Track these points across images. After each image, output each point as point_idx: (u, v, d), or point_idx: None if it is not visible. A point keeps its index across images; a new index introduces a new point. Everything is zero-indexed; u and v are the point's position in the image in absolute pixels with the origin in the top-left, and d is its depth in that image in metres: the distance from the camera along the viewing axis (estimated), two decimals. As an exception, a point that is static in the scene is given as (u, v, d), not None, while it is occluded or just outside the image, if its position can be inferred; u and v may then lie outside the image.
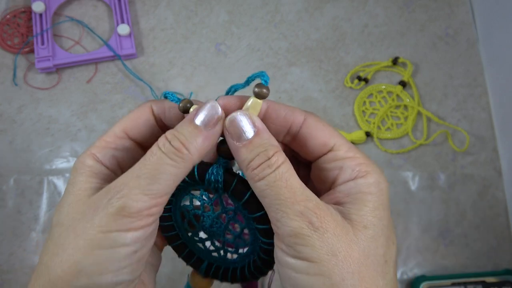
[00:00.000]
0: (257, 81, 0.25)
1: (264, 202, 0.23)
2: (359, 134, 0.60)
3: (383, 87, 0.64)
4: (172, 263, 0.53)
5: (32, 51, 0.63)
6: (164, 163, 0.22)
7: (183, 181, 0.25)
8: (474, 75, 0.64)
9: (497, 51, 0.63)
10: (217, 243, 0.30)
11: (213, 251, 0.30)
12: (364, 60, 0.65)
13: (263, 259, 0.27)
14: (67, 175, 0.58)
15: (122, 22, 0.65)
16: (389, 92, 0.64)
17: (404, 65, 0.65)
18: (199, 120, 0.23)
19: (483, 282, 0.53)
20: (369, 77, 0.64)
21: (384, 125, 0.62)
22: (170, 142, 0.22)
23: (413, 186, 0.59)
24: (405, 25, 0.67)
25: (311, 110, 0.67)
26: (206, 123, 0.23)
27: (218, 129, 0.23)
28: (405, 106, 0.63)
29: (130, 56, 0.64)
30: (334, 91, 0.64)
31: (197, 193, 0.28)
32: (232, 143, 0.23)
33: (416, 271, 0.55)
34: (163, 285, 0.53)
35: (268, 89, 0.24)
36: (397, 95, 0.63)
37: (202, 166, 0.25)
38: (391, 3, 0.68)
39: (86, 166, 0.24)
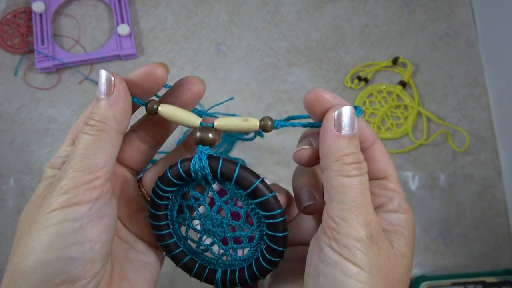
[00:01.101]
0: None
1: (337, 197, 0.23)
2: (359, 134, 0.60)
3: (383, 87, 0.64)
4: (172, 263, 0.53)
5: (32, 51, 0.64)
6: (87, 140, 0.24)
7: (171, 185, 0.26)
8: (474, 75, 0.64)
9: (497, 51, 0.63)
10: (223, 246, 0.29)
11: (222, 254, 0.29)
12: (364, 60, 0.65)
13: (273, 236, 0.26)
14: (67, 175, 0.58)
15: (122, 22, 0.65)
16: (389, 92, 0.64)
17: (404, 65, 0.65)
18: (101, 93, 0.24)
19: (483, 282, 0.53)
20: (369, 77, 0.64)
21: (384, 125, 0.62)
22: (86, 123, 0.24)
23: (413, 186, 0.59)
24: (405, 25, 0.67)
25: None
26: (106, 92, 0.24)
27: (116, 93, 0.24)
28: (405, 106, 0.63)
29: (130, 56, 0.64)
30: (334, 91, 0.63)
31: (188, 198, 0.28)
32: (331, 129, 0.24)
33: (416, 271, 0.55)
34: (163, 285, 0.53)
35: (272, 126, 0.26)
36: (397, 95, 0.63)
37: (184, 162, 0.25)
38: (391, 3, 0.68)
39: (47, 175, 0.26)
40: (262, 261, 0.27)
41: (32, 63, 0.63)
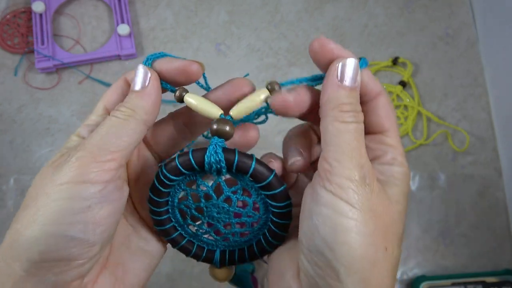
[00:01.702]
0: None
1: (332, 140, 0.24)
2: (359, 134, 0.60)
3: (383, 87, 0.64)
4: (172, 263, 0.53)
5: (32, 51, 0.64)
6: (114, 121, 0.25)
7: (178, 174, 0.26)
8: (474, 75, 0.64)
9: (497, 51, 0.63)
10: (225, 229, 0.29)
11: (223, 237, 0.30)
12: (364, 60, 0.65)
13: (278, 223, 0.27)
14: (67, 175, 0.58)
15: (122, 22, 0.65)
16: (389, 92, 0.64)
17: (404, 65, 0.65)
18: (135, 85, 0.26)
19: (483, 282, 0.53)
20: (369, 77, 0.64)
21: (384, 125, 0.62)
22: (116, 109, 0.25)
23: (413, 186, 0.59)
24: (405, 25, 0.67)
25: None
26: (140, 86, 0.26)
27: (150, 87, 0.26)
28: (405, 106, 0.63)
29: (130, 56, 0.64)
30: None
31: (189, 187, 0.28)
32: (333, 79, 0.25)
33: (416, 271, 0.55)
34: (163, 285, 0.53)
35: (279, 87, 0.26)
36: (397, 95, 0.63)
37: (196, 153, 0.25)
38: (391, 3, 0.68)
39: (71, 144, 0.26)
40: (264, 243, 0.28)
41: (32, 63, 0.63)
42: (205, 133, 0.39)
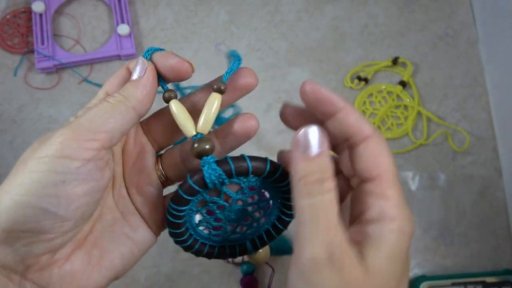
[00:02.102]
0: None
1: (300, 217, 0.23)
2: (359, 134, 0.60)
3: (383, 87, 0.64)
4: (171, 263, 0.53)
5: (32, 51, 0.63)
6: (103, 105, 0.25)
7: (184, 203, 0.27)
8: (474, 75, 0.64)
9: (497, 51, 0.63)
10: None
11: (247, 229, 0.31)
12: (364, 60, 0.65)
13: (287, 197, 0.29)
14: (67, 175, 0.58)
15: (122, 22, 0.65)
16: (389, 92, 0.64)
17: (404, 65, 0.65)
18: (133, 76, 0.27)
19: (483, 282, 0.53)
20: (369, 77, 0.64)
21: (384, 125, 0.62)
22: (110, 96, 0.26)
23: (413, 186, 0.59)
24: (405, 25, 0.67)
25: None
26: (139, 76, 0.27)
27: (146, 78, 0.27)
28: (405, 106, 0.63)
29: (130, 56, 0.64)
30: (334, 91, 0.64)
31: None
32: (295, 152, 0.24)
33: (416, 271, 0.55)
34: (162, 285, 0.53)
35: (225, 85, 0.28)
36: (397, 95, 0.63)
37: (195, 178, 0.26)
38: (391, 3, 0.68)
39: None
40: (283, 216, 0.30)
41: (32, 63, 0.63)
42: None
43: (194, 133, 0.27)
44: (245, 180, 0.27)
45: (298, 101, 0.63)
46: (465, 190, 0.59)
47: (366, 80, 0.64)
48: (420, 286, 0.53)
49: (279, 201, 0.30)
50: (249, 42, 0.65)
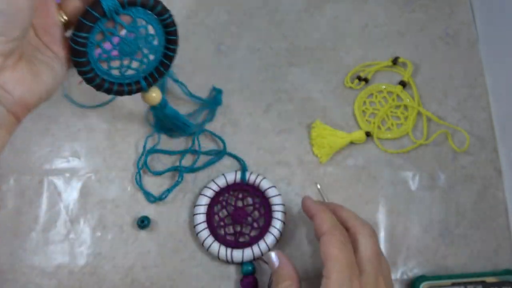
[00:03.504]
0: None
1: None
2: (359, 134, 0.60)
3: (383, 87, 0.64)
4: (171, 263, 0.53)
5: (32, 51, 0.63)
6: None
7: (86, 29, 0.34)
8: (474, 75, 0.64)
9: (497, 51, 0.63)
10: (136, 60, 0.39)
11: (140, 66, 0.40)
12: (364, 60, 0.65)
13: (172, 31, 0.39)
14: (67, 175, 0.58)
15: (122, 22, 0.65)
16: (389, 92, 0.64)
17: (404, 65, 0.65)
18: None
19: (483, 282, 0.53)
20: (369, 77, 0.64)
21: (384, 125, 0.62)
22: None
23: (413, 186, 0.59)
24: (405, 25, 0.67)
25: (311, 110, 0.67)
26: None
27: None
28: (405, 106, 0.63)
29: (130, 56, 0.64)
30: (334, 91, 0.64)
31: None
32: (271, 265, 0.44)
33: (416, 271, 0.55)
34: (162, 285, 0.53)
35: None
36: (397, 95, 0.63)
37: (93, 5, 0.33)
38: (391, 3, 0.68)
39: None
40: (168, 52, 0.40)
41: (32, 63, 0.63)
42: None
43: None
44: (135, 11, 0.35)
45: (297, 101, 0.63)
46: (465, 190, 0.59)
47: (366, 80, 0.64)
48: (420, 286, 0.53)
49: (163, 38, 0.38)
50: (249, 42, 0.65)
